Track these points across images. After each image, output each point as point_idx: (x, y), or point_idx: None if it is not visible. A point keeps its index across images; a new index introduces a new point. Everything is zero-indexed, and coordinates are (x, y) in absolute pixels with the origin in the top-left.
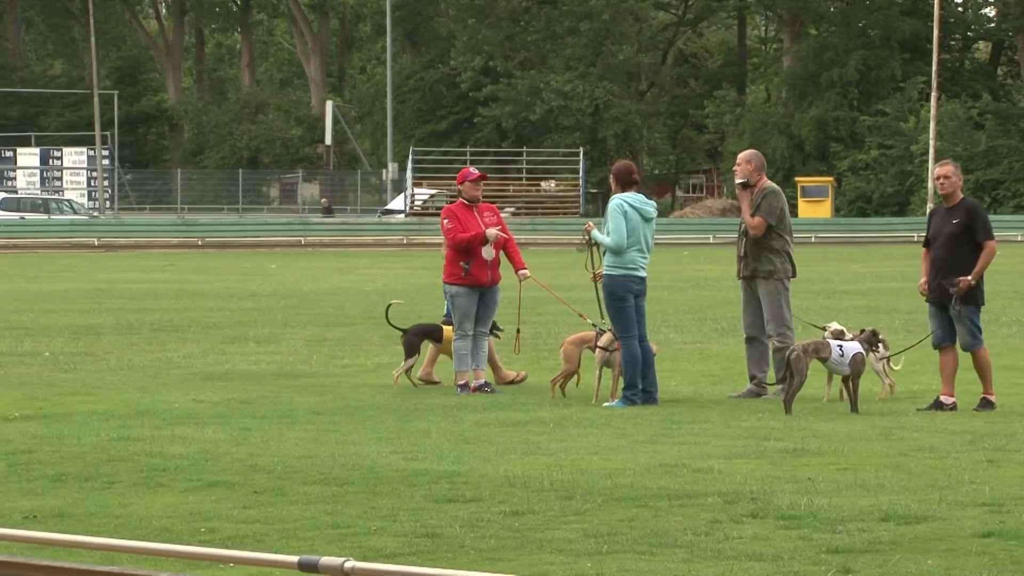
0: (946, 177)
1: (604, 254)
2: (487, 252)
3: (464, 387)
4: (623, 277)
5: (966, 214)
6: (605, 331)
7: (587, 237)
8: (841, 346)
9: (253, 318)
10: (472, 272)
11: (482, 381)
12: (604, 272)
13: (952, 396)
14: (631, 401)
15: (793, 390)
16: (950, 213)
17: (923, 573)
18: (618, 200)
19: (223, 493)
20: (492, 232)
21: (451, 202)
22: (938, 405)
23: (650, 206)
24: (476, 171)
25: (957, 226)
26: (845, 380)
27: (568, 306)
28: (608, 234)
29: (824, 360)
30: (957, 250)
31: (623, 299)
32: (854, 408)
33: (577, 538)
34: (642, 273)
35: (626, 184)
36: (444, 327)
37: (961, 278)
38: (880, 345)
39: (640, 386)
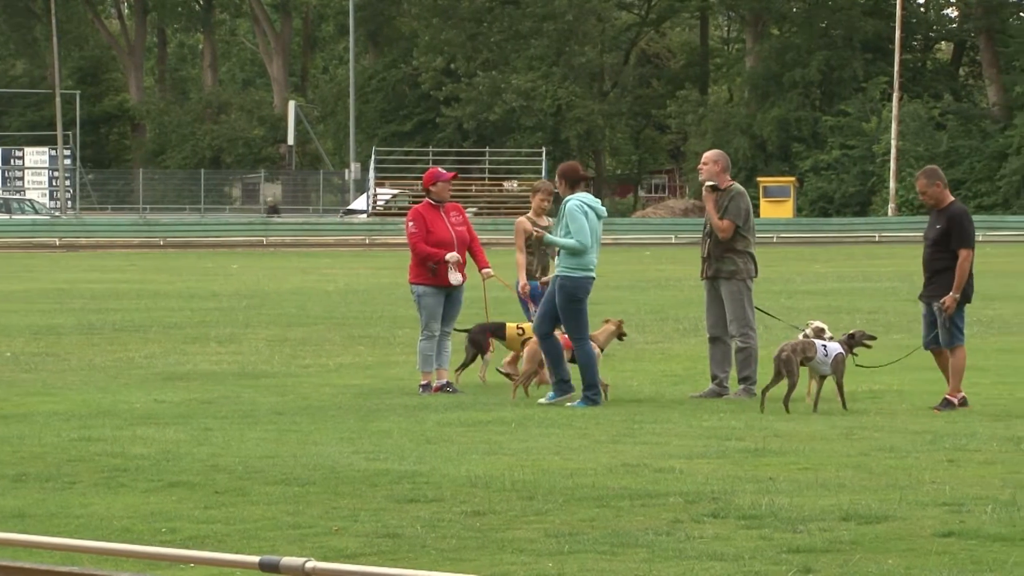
0: (922, 192)
1: (557, 256)
2: (454, 279)
3: (426, 387)
4: (583, 279)
5: (947, 220)
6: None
7: (450, 258)
8: (825, 346)
9: (215, 318)
10: (440, 272)
11: (444, 381)
12: (562, 274)
13: (960, 392)
14: (592, 401)
15: (789, 390)
16: (937, 217)
17: (884, 572)
18: (576, 200)
19: (184, 493)
20: (452, 256)
21: (417, 202)
22: (947, 404)
23: (602, 206)
24: (446, 172)
25: (939, 232)
26: (820, 381)
27: (532, 305)
28: (566, 236)
29: (809, 360)
30: (939, 255)
31: (580, 301)
32: (844, 406)
33: (539, 538)
34: (594, 273)
35: (575, 184)
36: (508, 325)
37: (945, 299)
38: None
39: (565, 378)
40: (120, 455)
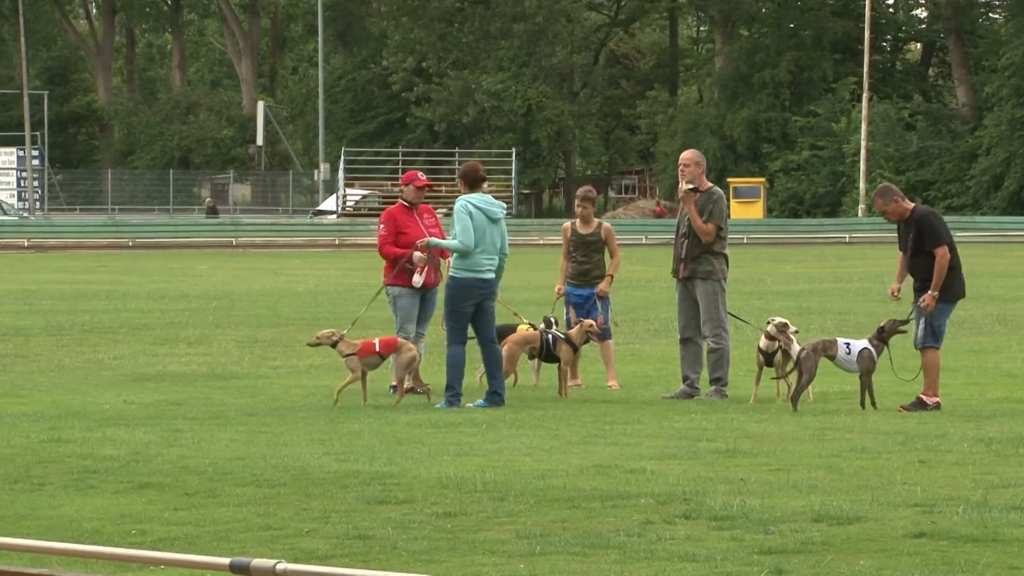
0: (883, 212)
1: (452, 258)
2: (416, 280)
3: (396, 388)
4: (467, 280)
5: (916, 225)
6: (547, 328)
7: (416, 259)
8: (848, 344)
9: (184, 319)
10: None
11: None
12: (450, 274)
13: (936, 396)
14: (451, 403)
15: (800, 387)
16: (906, 227)
17: (856, 573)
18: (462, 201)
19: (154, 495)
20: (418, 256)
21: (389, 203)
22: (919, 404)
23: (497, 207)
24: (423, 178)
25: (913, 240)
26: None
27: (504, 305)
28: (455, 237)
29: (832, 358)
30: (922, 262)
31: (460, 300)
32: (873, 404)
33: (510, 539)
34: (488, 275)
35: (473, 184)
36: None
37: (925, 296)
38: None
39: (458, 390)
40: (90, 456)
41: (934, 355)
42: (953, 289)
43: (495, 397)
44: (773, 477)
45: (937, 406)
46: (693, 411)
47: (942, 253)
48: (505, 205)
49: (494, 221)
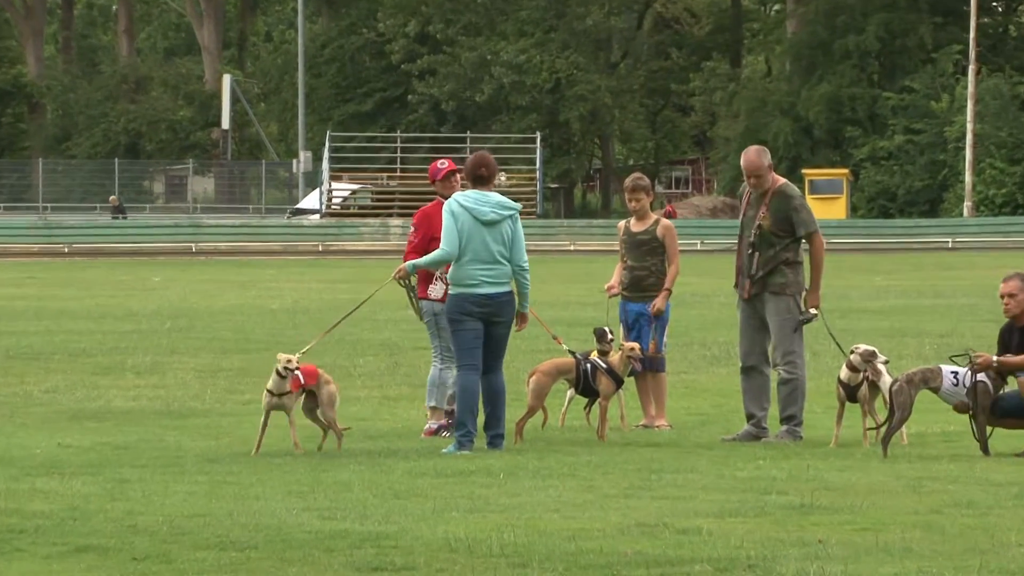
0: (1011, 296)
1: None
2: (434, 291)
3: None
4: (461, 297)
5: None
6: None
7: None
8: (956, 373)
9: (132, 343)
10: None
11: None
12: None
13: None
14: (461, 445)
15: (892, 428)
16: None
17: None
18: (450, 200)
19: (95, 560)
20: (409, 265)
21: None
22: None
23: (491, 207)
24: (445, 164)
25: None
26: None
27: (543, 324)
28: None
29: (935, 391)
30: None
31: (458, 322)
32: (984, 449)
33: None
34: (484, 290)
35: (475, 180)
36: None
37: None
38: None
39: (471, 428)
40: (16, 513)
41: None
42: None
43: (496, 440)
44: (859, 538)
45: None
46: (760, 457)
47: None
48: (517, 205)
49: (485, 223)
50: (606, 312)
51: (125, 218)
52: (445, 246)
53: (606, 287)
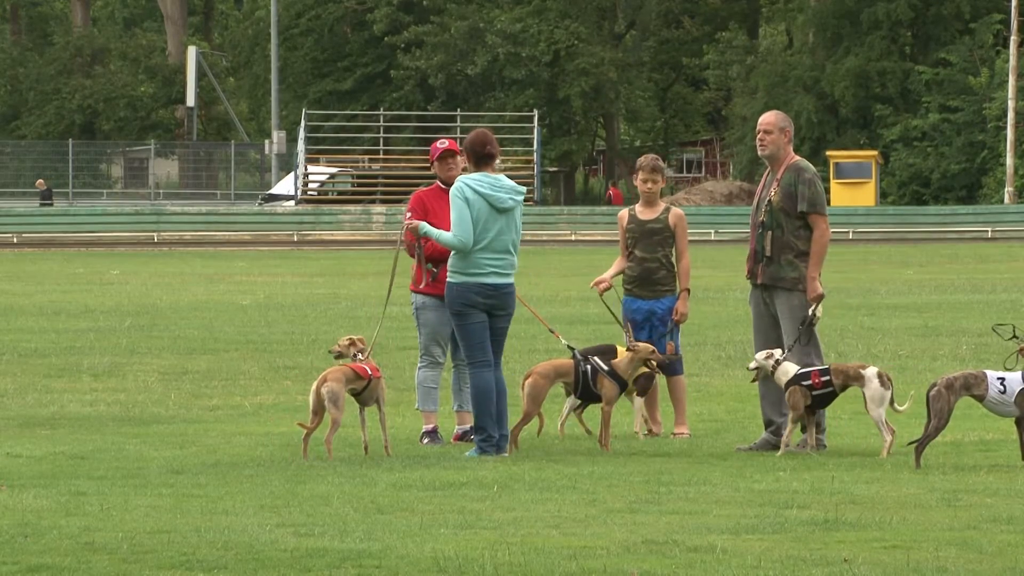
0: None
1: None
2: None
3: (431, 435)
4: (466, 286)
5: None
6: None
7: (404, 239)
8: (1003, 379)
9: (89, 343)
10: (441, 278)
11: (467, 427)
12: (447, 280)
13: None
14: (483, 450)
15: (928, 436)
16: None
17: None
18: (459, 183)
19: None
20: (422, 225)
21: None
22: None
23: (509, 192)
24: (443, 144)
25: None
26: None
27: (539, 318)
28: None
29: (980, 399)
30: None
31: (463, 314)
32: None
33: None
34: (494, 280)
35: (480, 161)
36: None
37: None
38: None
39: (491, 431)
40: None
41: None
42: None
43: (501, 441)
44: (888, 557)
45: None
46: (779, 468)
47: None
48: (524, 189)
49: (502, 211)
50: (608, 310)
51: (51, 204)
52: (460, 236)
53: (594, 282)
